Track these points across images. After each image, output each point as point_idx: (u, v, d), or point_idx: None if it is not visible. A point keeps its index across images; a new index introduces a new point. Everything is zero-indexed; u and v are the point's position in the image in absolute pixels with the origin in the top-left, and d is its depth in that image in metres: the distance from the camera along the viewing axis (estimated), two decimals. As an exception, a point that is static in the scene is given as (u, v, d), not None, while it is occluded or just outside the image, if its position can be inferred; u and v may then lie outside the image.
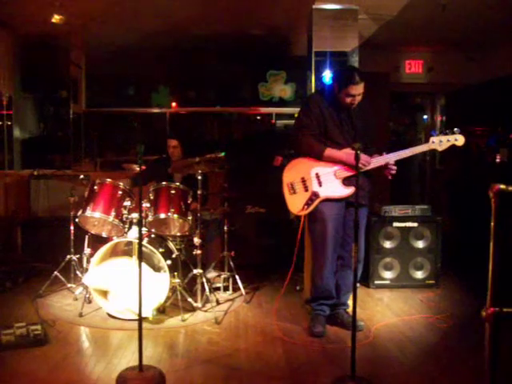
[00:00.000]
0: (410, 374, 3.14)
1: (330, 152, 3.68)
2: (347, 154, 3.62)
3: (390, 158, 3.67)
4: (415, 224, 4.92)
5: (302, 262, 4.60)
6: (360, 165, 3.56)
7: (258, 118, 8.72)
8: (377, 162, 3.68)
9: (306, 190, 3.73)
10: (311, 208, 3.71)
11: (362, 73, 3.66)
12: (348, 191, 3.68)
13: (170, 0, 5.43)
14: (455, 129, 3.56)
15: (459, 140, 3.56)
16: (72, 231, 4.64)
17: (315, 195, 3.69)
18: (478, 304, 1.82)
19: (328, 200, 3.70)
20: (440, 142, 3.58)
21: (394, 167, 3.69)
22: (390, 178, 3.74)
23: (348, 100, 3.64)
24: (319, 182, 3.71)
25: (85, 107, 7.76)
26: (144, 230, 4.17)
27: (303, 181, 3.74)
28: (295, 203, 3.76)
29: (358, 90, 3.60)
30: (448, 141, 3.57)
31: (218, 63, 7.61)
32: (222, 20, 6.14)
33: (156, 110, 7.94)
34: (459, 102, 7.70)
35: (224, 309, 4.31)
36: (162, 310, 4.12)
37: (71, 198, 4.65)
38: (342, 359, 3.28)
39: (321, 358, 3.35)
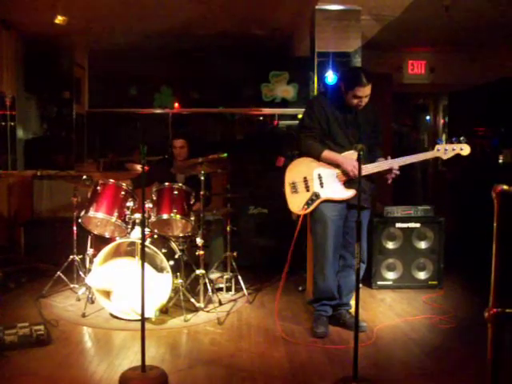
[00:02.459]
0: (413, 375, 3.13)
1: (327, 154, 3.69)
2: (345, 158, 3.64)
3: (394, 163, 3.66)
4: (418, 225, 4.92)
5: (301, 261, 4.61)
6: (350, 172, 3.59)
7: (261, 118, 8.72)
8: (379, 166, 3.67)
9: (308, 190, 3.74)
10: (311, 208, 3.72)
11: (369, 74, 3.64)
12: (349, 194, 3.69)
13: (172, 0, 5.44)
14: (461, 138, 3.55)
15: (464, 149, 3.55)
16: (75, 231, 4.65)
17: (316, 196, 3.70)
18: (481, 305, 1.82)
19: (329, 201, 3.70)
20: (445, 151, 3.56)
21: (397, 172, 3.67)
22: (389, 182, 3.72)
23: (354, 101, 3.64)
24: (321, 182, 3.72)
25: (88, 108, 7.77)
26: (147, 230, 4.17)
27: (305, 181, 3.75)
28: (296, 202, 3.77)
29: (364, 91, 3.60)
30: (453, 150, 3.56)
31: (221, 64, 7.61)
32: (224, 20, 6.14)
33: (158, 111, 7.94)
34: (462, 103, 7.70)
35: (226, 309, 4.32)
36: (164, 311, 4.12)
37: (74, 199, 4.66)
38: (344, 360, 3.28)
39: (323, 359, 3.35)
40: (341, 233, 3.78)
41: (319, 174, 3.73)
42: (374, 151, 3.76)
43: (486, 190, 1.88)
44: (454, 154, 3.56)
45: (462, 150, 3.55)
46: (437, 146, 3.59)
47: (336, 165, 3.70)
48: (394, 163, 3.65)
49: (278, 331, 3.78)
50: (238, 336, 3.76)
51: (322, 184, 3.72)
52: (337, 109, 3.74)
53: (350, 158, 3.64)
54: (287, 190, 3.81)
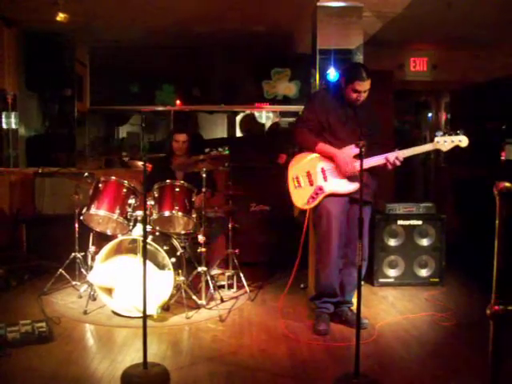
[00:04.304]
0: (414, 372, 3.13)
1: (321, 146, 3.70)
2: (341, 152, 3.65)
3: (393, 155, 3.65)
4: (420, 222, 4.92)
5: (303, 258, 4.60)
6: (342, 167, 3.60)
7: (263, 115, 8.71)
8: (378, 161, 3.67)
9: (311, 184, 3.74)
10: (316, 202, 3.72)
11: (369, 71, 3.65)
12: (352, 187, 3.69)
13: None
14: (459, 130, 3.58)
15: (463, 141, 3.57)
16: (77, 229, 4.65)
17: (320, 189, 3.71)
18: (482, 302, 1.82)
19: (332, 196, 3.71)
20: (444, 142, 3.58)
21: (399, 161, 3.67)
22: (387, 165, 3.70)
23: (354, 96, 3.65)
24: (324, 176, 3.72)
25: (89, 105, 7.77)
26: (148, 227, 4.18)
27: (308, 175, 3.76)
28: (300, 197, 3.77)
29: (364, 86, 3.62)
30: (452, 141, 3.57)
31: (223, 61, 7.61)
32: (226, 17, 6.13)
33: (160, 108, 7.93)
34: (464, 100, 7.68)
35: (228, 306, 4.32)
36: (166, 308, 4.13)
37: (76, 196, 4.66)
38: (346, 357, 3.28)
39: (325, 356, 3.36)
40: (344, 229, 3.77)
41: (322, 168, 3.74)
42: (372, 149, 3.75)
43: (488, 187, 1.88)
44: (453, 146, 3.58)
45: (460, 141, 3.57)
46: (436, 138, 3.61)
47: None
48: (393, 156, 3.64)
49: (279, 328, 3.79)
50: (240, 333, 3.77)
51: (325, 178, 3.72)
52: (337, 104, 3.75)
53: (347, 152, 3.64)
54: (291, 184, 3.81)
